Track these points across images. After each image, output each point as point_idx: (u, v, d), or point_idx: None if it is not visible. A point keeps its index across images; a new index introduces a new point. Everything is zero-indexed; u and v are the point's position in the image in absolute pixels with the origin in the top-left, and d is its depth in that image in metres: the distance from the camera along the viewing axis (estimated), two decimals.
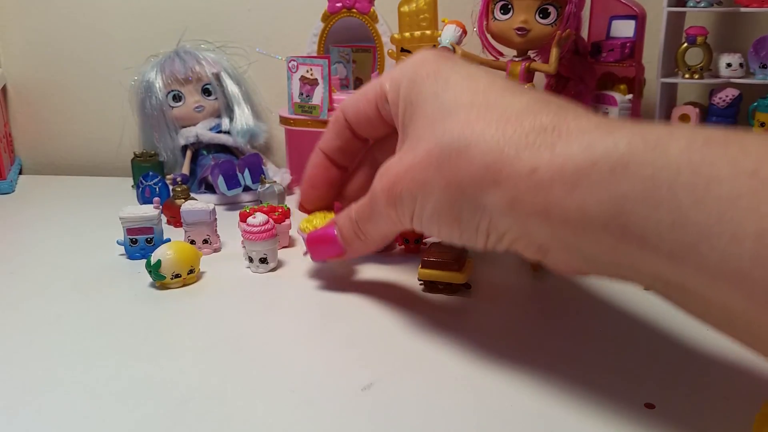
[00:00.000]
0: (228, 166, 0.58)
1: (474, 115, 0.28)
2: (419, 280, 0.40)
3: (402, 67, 0.34)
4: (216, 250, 0.48)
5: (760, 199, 0.20)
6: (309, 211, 0.42)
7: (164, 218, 0.52)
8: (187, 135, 0.63)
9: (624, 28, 0.56)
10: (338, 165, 0.41)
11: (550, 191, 0.25)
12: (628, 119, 0.29)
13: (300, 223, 0.42)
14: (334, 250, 0.38)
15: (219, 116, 0.65)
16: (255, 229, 0.42)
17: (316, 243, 0.39)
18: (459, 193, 0.28)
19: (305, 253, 0.42)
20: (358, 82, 0.66)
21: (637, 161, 0.23)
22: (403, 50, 0.57)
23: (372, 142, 0.40)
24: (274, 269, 0.44)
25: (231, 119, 0.65)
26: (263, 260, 0.43)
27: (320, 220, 0.41)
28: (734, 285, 0.21)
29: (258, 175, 0.58)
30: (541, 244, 0.28)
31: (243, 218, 0.44)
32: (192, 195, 0.55)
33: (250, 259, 0.43)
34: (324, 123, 0.59)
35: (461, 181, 0.28)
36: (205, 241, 0.47)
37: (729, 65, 0.57)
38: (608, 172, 0.24)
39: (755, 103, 0.57)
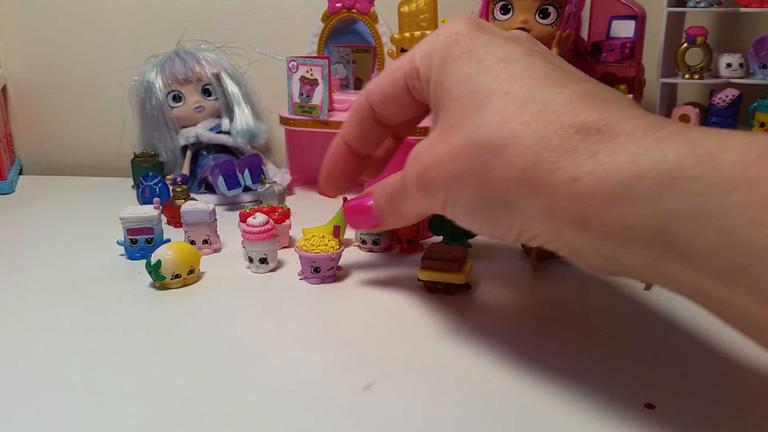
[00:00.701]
0: (228, 167, 0.58)
1: (511, 110, 0.26)
2: (419, 280, 0.40)
3: (434, 40, 0.31)
4: (216, 251, 0.48)
5: None
6: (330, 196, 0.41)
7: (164, 218, 0.52)
8: (187, 135, 0.63)
9: (624, 28, 0.56)
10: (359, 154, 0.38)
11: (590, 203, 0.24)
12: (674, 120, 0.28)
13: (298, 242, 0.42)
14: (371, 221, 0.37)
15: (219, 116, 0.65)
16: (255, 229, 0.42)
17: (352, 213, 0.38)
18: (493, 194, 0.27)
19: (301, 277, 0.42)
20: (358, 82, 0.66)
21: (687, 176, 0.22)
22: (403, 50, 0.57)
23: (398, 126, 0.38)
24: (274, 269, 0.44)
25: (231, 119, 0.65)
26: (263, 260, 0.43)
27: (318, 240, 0.41)
28: None
29: (258, 176, 0.58)
30: (577, 248, 0.26)
31: (243, 218, 0.44)
32: (192, 195, 0.55)
33: (250, 260, 0.43)
34: (324, 123, 0.59)
35: (496, 183, 0.27)
36: (205, 242, 0.47)
37: (729, 65, 0.57)
38: (655, 187, 0.22)
39: (755, 103, 0.57)
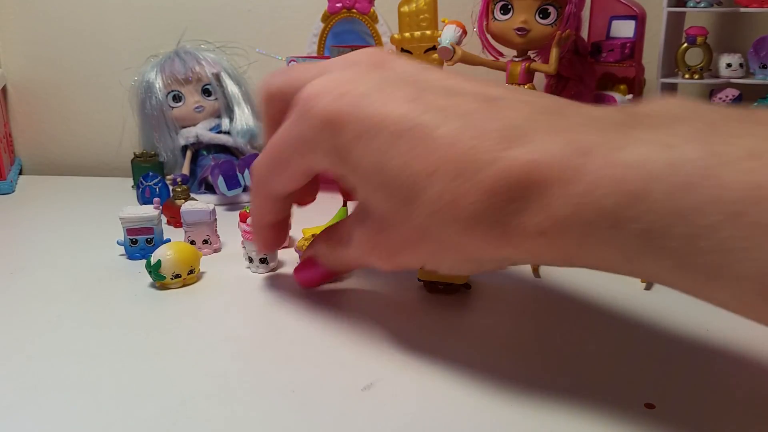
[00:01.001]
0: (228, 167, 0.58)
1: (451, 188, 0.26)
2: (419, 280, 0.40)
3: (316, 134, 0.30)
4: (216, 251, 0.48)
5: None
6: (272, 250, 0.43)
7: (164, 218, 0.52)
8: (187, 135, 0.63)
9: (624, 29, 0.56)
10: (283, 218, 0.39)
11: (561, 242, 0.25)
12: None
13: (298, 242, 0.42)
14: (325, 276, 0.39)
15: (219, 116, 0.65)
16: None
17: (304, 271, 0.39)
18: (476, 254, 0.27)
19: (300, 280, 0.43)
20: None
21: None
22: (403, 50, 0.57)
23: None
24: (274, 269, 0.44)
25: (231, 119, 0.65)
26: (263, 260, 0.43)
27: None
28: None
29: None
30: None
31: (243, 218, 0.44)
32: (192, 195, 0.55)
33: (250, 260, 0.43)
34: None
35: (469, 248, 0.27)
36: (205, 242, 0.47)
37: (729, 65, 0.57)
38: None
39: (755, 104, 0.57)
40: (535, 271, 0.43)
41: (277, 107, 0.34)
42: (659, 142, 0.22)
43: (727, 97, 0.58)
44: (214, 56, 0.65)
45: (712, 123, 0.22)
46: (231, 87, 0.65)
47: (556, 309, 0.38)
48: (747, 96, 0.58)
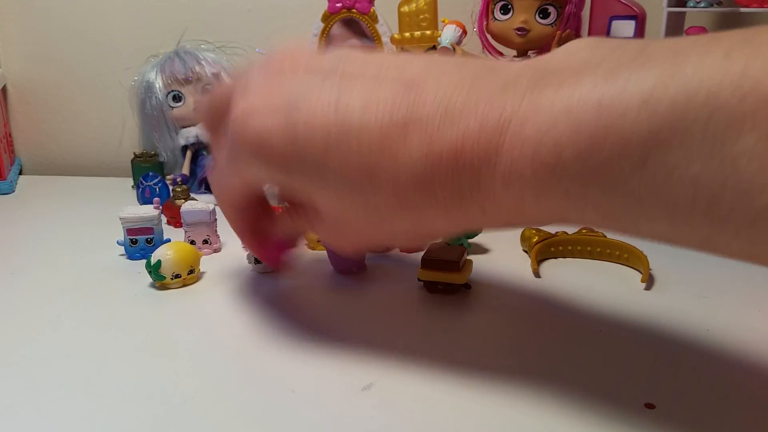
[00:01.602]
0: None
1: (390, 186, 0.27)
2: (419, 280, 0.40)
3: (251, 158, 0.30)
4: (216, 251, 0.48)
5: None
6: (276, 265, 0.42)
7: (164, 218, 0.52)
8: (187, 135, 0.63)
9: (624, 29, 0.56)
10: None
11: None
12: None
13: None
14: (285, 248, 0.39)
15: None
16: None
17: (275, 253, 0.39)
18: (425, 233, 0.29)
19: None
20: None
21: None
22: (403, 50, 0.57)
23: None
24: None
25: None
26: None
27: None
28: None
29: None
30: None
31: None
32: (192, 195, 0.55)
33: (256, 261, 0.43)
34: None
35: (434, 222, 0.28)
36: (205, 242, 0.47)
37: None
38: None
39: None
40: (536, 271, 0.43)
41: (216, 130, 0.35)
42: (562, 103, 0.23)
43: None
44: (214, 56, 0.65)
45: (609, 69, 0.22)
46: None
47: (555, 309, 0.38)
48: None
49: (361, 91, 0.27)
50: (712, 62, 0.20)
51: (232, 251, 0.47)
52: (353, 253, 0.33)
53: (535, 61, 0.26)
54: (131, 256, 0.46)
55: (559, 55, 0.25)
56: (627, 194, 0.22)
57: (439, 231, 0.29)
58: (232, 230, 0.48)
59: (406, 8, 0.57)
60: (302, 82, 0.29)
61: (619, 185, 0.22)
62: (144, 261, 0.42)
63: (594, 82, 0.22)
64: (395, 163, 0.26)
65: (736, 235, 0.21)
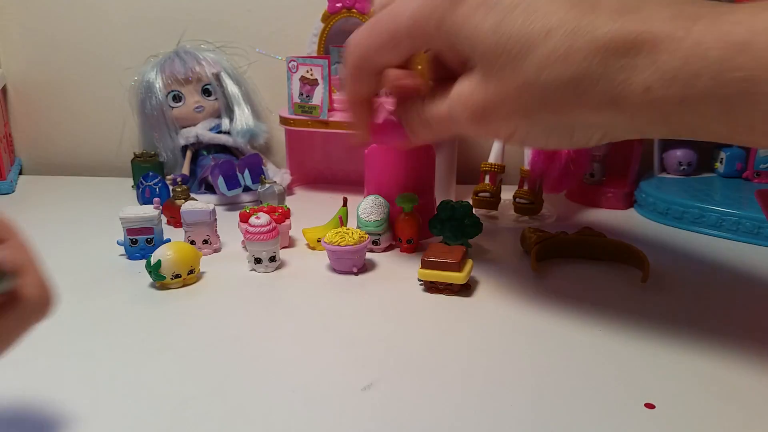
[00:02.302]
0: (228, 167, 0.58)
1: (563, 48, 0.28)
2: (419, 280, 0.40)
3: (436, 6, 0.32)
4: (216, 251, 0.48)
5: None
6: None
7: (164, 218, 0.52)
8: (187, 135, 0.63)
9: None
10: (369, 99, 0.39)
11: (663, 106, 0.28)
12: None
13: (326, 238, 0.43)
14: (402, 138, 0.38)
15: (219, 116, 0.65)
16: (264, 229, 0.43)
17: (382, 132, 0.39)
18: (572, 119, 0.30)
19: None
20: None
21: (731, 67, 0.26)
22: None
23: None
24: (279, 267, 0.44)
25: (231, 119, 0.65)
26: (272, 258, 0.43)
27: (342, 234, 0.43)
28: None
29: (258, 176, 0.58)
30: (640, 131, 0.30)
31: (243, 218, 0.44)
32: (192, 195, 0.55)
33: (257, 260, 0.43)
34: (324, 123, 0.59)
35: (573, 111, 0.29)
36: (205, 242, 0.47)
37: None
38: (709, 81, 0.26)
39: None
40: (535, 270, 0.43)
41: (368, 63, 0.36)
42: (756, 9, 0.25)
43: None
44: (214, 56, 0.65)
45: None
46: (231, 87, 0.65)
47: (555, 309, 0.38)
48: None
49: None
50: None
51: (232, 251, 0.47)
52: (473, 134, 0.34)
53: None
54: (131, 256, 0.46)
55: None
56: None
57: (585, 119, 0.30)
58: (232, 229, 0.48)
59: None
60: None
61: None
62: (144, 261, 0.42)
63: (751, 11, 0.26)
64: (578, 23, 0.28)
65: None
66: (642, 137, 0.30)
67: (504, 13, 0.29)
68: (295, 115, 0.61)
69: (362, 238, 0.43)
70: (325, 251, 0.44)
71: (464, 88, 0.33)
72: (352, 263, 0.43)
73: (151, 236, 0.46)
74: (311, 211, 0.44)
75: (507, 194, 0.57)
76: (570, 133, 0.31)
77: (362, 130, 0.40)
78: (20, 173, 0.73)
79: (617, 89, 0.28)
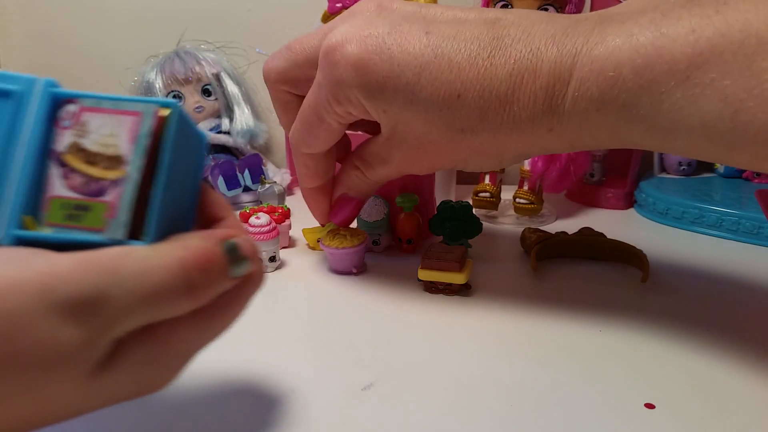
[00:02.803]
0: (228, 167, 0.58)
1: (474, 109, 0.31)
2: (419, 280, 0.40)
3: (349, 78, 0.32)
4: None
5: None
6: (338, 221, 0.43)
7: None
8: None
9: None
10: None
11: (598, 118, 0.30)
12: None
13: (324, 240, 0.43)
14: (355, 211, 0.41)
15: (219, 117, 0.65)
16: (264, 229, 0.43)
17: (339, 211, 0.41)
18: (499, 155, 0.33)
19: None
20: None
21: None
22: None
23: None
24: (280, 267, 0.44)
25: (231, 120, 0.65)
26: (272, 258, 0.43)
27: (341, 237, 0.42)
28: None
29: (258, 176, 0.58)
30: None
31: (243, 219, 0.44)
32: None
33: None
34: None
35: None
36: None
37: None
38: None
39: None
40: (535, 270, 0.43)
41: (283, 89, 0.37)
42: (624, 33, 0.27)
43: None
44: (214, 56, 0.65)
45: (663, 12, 0.27)
46: (231, 87, 0.65)
47: (555, 309, 0.38)
48: None
49: (448, 26, 0.31)
50: (748, 5, 0.25)
51: None
52: (426, 173, 0.37)
53: (597, 12, 0.30)
54: None
55: (619, 6, 0.30)
56: (671, 106, 0.26)
57: (509, 150, 0.33)
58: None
59: None
60: (390, 18, 0.32)
61: (665, 98, 0.26)
62: None
63: (651, 18, 0.27)
64: (482, 81, 0.30)
65: (755, 138, 0.25)
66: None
67: (413, 83, 0.31)
68: None
69: (361, 239, 0.42)
70: (324, 251, 0.44)
71: (402, 155, 0.35)
72: (352, 264, 0.43)
73: None
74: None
75: (507, 194, 0.57)
76: (501, 161, 0.34)
77: (320, 217, 0.42)
78: None
79: (527, 128, 0.31)
